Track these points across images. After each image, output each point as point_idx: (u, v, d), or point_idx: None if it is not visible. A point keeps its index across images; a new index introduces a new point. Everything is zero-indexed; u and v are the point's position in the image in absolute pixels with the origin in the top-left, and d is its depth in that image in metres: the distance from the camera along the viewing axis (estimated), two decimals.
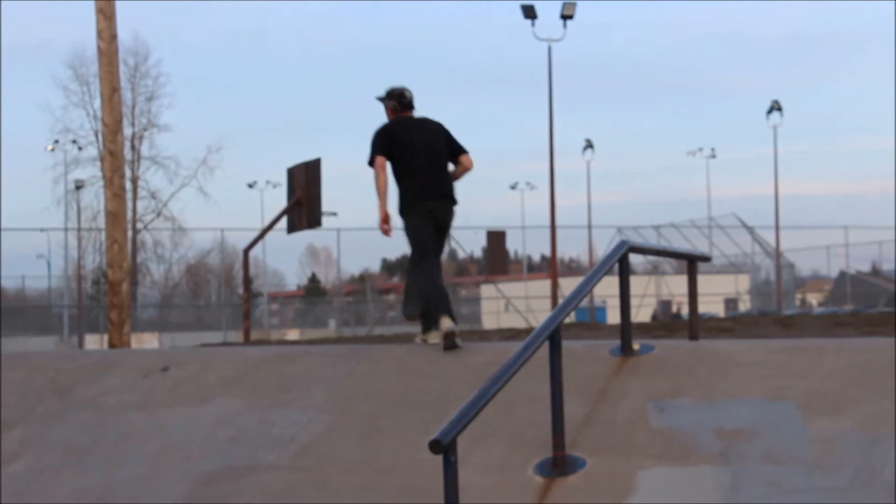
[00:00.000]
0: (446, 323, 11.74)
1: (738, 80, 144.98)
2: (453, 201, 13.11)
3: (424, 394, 10.21)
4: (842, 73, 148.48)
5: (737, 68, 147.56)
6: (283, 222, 32.51)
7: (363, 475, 9.37)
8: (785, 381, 9.34)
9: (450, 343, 11.60)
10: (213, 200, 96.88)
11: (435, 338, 12.09)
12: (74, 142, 75.60)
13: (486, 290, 70.28)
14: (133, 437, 10.79)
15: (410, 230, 12.91)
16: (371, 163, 13.20)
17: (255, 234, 36.20)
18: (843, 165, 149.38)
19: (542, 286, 62.41)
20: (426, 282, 12.36)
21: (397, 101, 13.66)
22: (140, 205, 75.40)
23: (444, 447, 7.42)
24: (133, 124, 75.90)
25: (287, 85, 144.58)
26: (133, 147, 74.07)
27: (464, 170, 13.29)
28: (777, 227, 65.03)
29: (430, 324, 12.27)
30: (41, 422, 11.38)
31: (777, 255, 65.72)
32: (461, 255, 75.98)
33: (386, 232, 13.22)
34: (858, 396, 8.95)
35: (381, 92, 13.49)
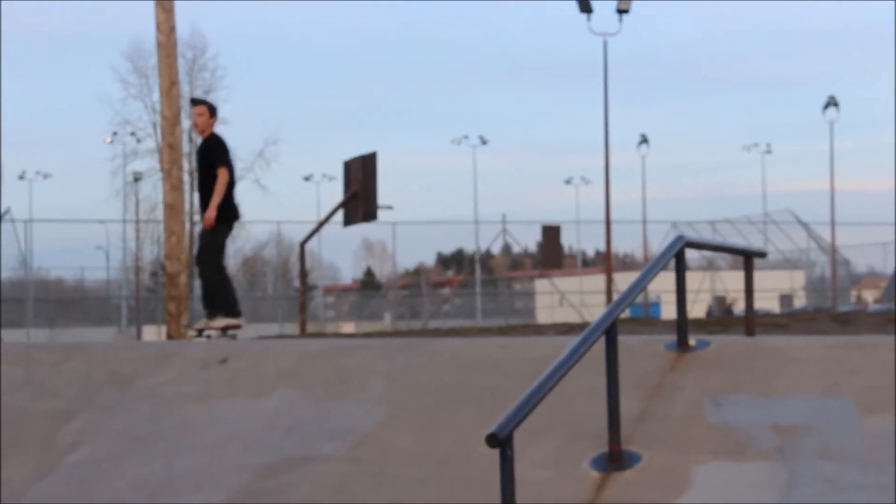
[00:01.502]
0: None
1: (793, 73, 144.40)
2: None
3: (480, 387, 10.23)
4: None
5: (793, 61, 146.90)
6: (339, 215, 32.65)
7: (419, 467, 9.41)
8: (841, 377, 9.32)
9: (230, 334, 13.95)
10: (269, 193, 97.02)
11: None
12: (133, 134, 75.91)
13: (541, 284, 70.30)
14: (192, 427, 10.85)
15: (224, 235, 14.67)
16: (225, 166, 15.60)
17: (311, 227, 36.34)
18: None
19: (597, 281, 62.21)
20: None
21: (215, 113, 16.23)
22: (197, 197, 75.82)
23: (500, 441, 7.44)
24: (191, 117, 76.23)
25: (343, 78, 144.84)
26: (190, 139, 74.16)
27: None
28: (833, 224, 64.69)
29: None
30: (101, 412, 11.45)
31: (832, 251, 65.39)
32: (516, 249, 75.99)
33: (211, 223, 15.58)
34: None
35: (202, 96, 15.54)
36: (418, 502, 8.95)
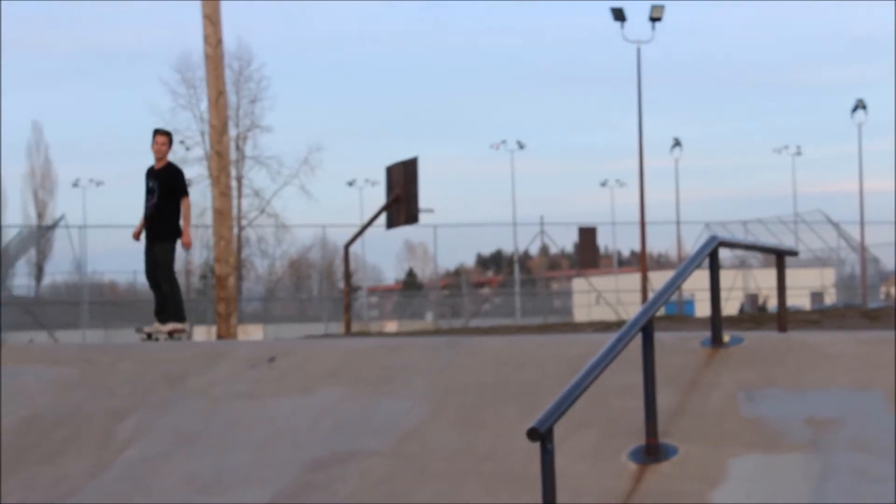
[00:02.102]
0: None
1: (822, 78, 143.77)
2: None
3: (520, 384, 10.22)
4: None
5: (821, 66, 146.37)
6: (382, 218, 32.70)
7: (462, 462, 9.41)
8: (872, 372, 9.28)
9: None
10: (314, 198, 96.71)
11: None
12: (182, 142, 76.02)
13: (578, 283, 70.18)
14: (241, 424, 10.88)
15: (173, 252, 17.55)
16: (187, 195, 17.51)
17: (354, 231, 36.39)
18: None
19: (632, 280, 62.14)
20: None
21: (172, 142, 17.79)
22: (244, 202, 75.71)
23: (541, 435, 7.44)
24: (237, 125, 76.27)
25: (384, 86, 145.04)
26: (237, 147, 74.44)
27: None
28: (862, 223, 64.52)
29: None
30: (153, 410, 11.49)
31: (862, 249, 65.16)
32: (553, 250, 75.88)
33: (188, 244, 17.63)
34: None
35: (163, 127, 18.18)
36: (461, 496, 8.96)
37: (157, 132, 17.58)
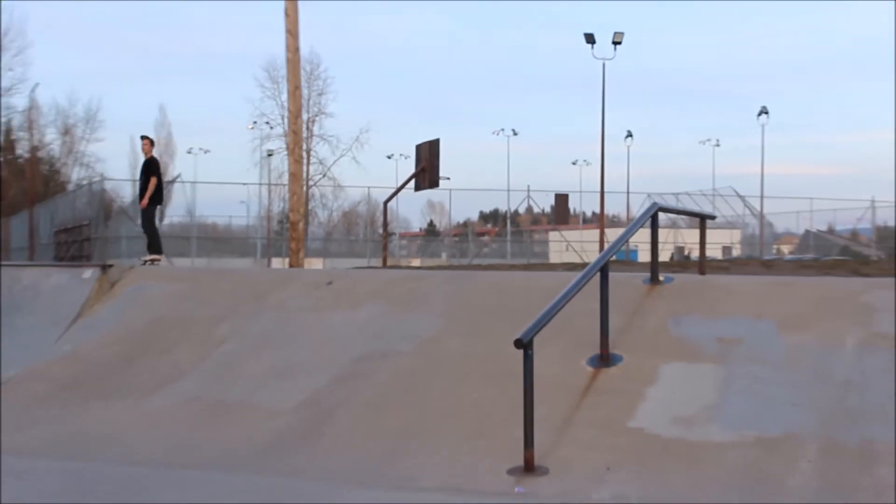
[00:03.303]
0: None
1: (738, 88, 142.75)
2: None
3: (510, 306, 10.25)
4: (830, 84, 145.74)
5: (737, 79, 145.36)
6: (412, 183, 32.61)
7: (466, 362, 9.45)
8: (767, 305, 9.30)
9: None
10: (362, 166, 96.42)
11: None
12: (267, 123, 76.01)
13: (553, 235, 69.91)
14: (306, 329, 10.93)
15: (153, 211, 19.31)
16: (156, 176, 19.16)
17: (391, 191, 36.30)
18: (812, 153, 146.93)
19: (593, 234, 62.02)
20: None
21: (153, 143, 19.61)
22: (311, 168, 75.46)
23: (524, 344, 7.48)
24: (308, 111, 76.00)
25: (417, 82, 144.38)
26: (308, 128, 74.17)
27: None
28: (762, 197, 64.45)
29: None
30: (242, 317, 11.54)
31: (761, 216, 65.06)
32: (536, 210, 75.70)
33: (144, 206, 19.12)
34: (818, 318, 8.90)
35: (147, 134, 19.83)
36: (465, 385, 9.01)
37: (142, 137, 19.76)
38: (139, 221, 20.21)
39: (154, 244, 19.01)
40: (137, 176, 21.43)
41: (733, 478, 7.09)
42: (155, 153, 19.91)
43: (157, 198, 19.32)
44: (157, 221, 20.03)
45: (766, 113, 70.61)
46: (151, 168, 19.28)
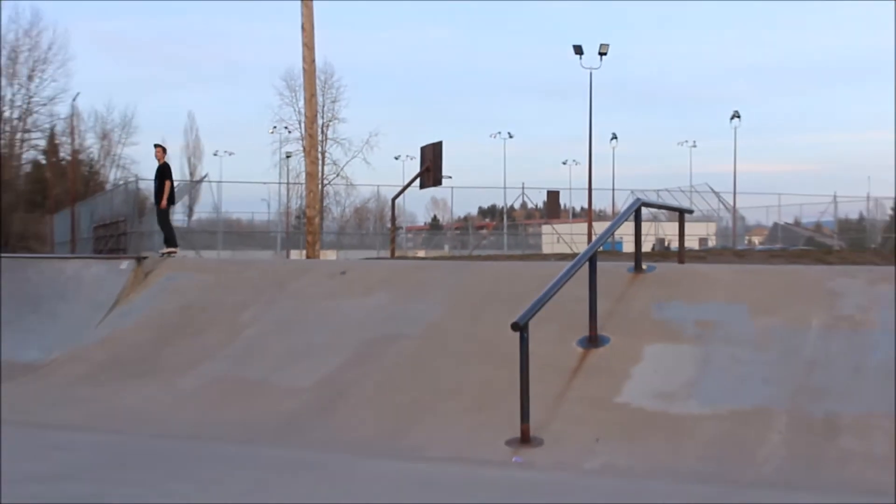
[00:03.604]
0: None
1: (712, 93, 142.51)
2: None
3: (507, 293, 10.24)
4: (799, 91, 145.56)
5: (711, 85, 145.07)
6: (417, 182, 32.59)
7: (468, 343, 9.44)
8: (740, 291, 9.28)
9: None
10: (372, 166, 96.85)
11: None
12: (286, 128, 76.02)
13: (546, 228, 69.88)
14: (323, 315, 10.92)
15: (168, 212, 19.50)
16: (169, 180, 19.26)
17: (398, 189, 36.28)
18: (779, 153, 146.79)
19: (582, 227, 61.95)
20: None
21: (165, 151, 19.67)
22: (326, 169, 75.46)
23: (520, 327, 7.47)
24: (323, 117, 75.91)
25: (422, 89, 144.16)
26: (323, 132, 74.10)
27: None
28: (735, 193, 64.42)
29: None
30: (265, 304, 11.53)
31: (734, 210, 65.03)
32: (530, 205, 75.63)
33: (164, 207, 19.29)
34: (787, 303, 8.88)
35: (160, 142, 19.94)
36: (467, 365, 9.00)
37: (155, 145, 19.85)
38: (158, 220, 20.62)
39: (170, 238, 19.46)
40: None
41: (710, 448, 7.08)
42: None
43: (171, 198, 19.74)
44: (171, 218, 20.46)
45: (738, 116, 70.68)
46: (165, 173, 19.54)
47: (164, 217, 19.80)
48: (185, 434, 8.19)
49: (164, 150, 20.09)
